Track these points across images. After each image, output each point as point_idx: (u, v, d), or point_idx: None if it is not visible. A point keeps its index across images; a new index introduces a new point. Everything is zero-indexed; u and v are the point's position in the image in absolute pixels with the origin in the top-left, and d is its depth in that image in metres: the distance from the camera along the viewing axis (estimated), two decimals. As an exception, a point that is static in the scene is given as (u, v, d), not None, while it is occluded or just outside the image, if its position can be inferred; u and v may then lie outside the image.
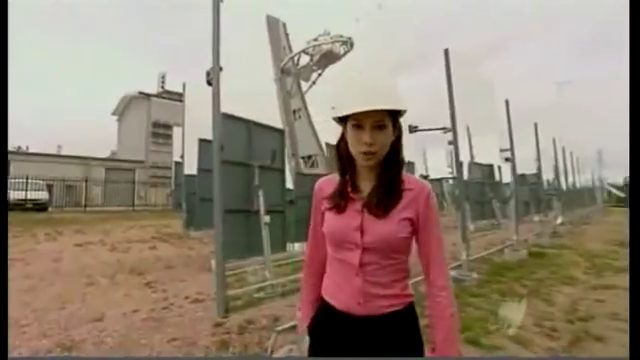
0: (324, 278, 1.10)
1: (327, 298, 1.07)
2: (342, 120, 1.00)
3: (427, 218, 1.00)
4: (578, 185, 19.66)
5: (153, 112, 27.46)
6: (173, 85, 29.14)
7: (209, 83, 2.57)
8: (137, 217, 15.87)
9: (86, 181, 22.03)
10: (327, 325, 1.05)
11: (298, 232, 4.81)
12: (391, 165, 1.00)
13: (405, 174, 1.03)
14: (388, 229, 0.97)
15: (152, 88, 30.35)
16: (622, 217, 20.75)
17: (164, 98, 28.65)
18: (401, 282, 1.02)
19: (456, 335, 1.02)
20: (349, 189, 1.02)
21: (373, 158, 0.96)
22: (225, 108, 3.30)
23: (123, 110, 30.60)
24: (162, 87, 31.41)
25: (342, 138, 1.02)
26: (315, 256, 1.16)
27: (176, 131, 10.80)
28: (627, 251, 7.85)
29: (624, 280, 5.14)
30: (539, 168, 10.98)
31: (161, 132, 26.66)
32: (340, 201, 1.01)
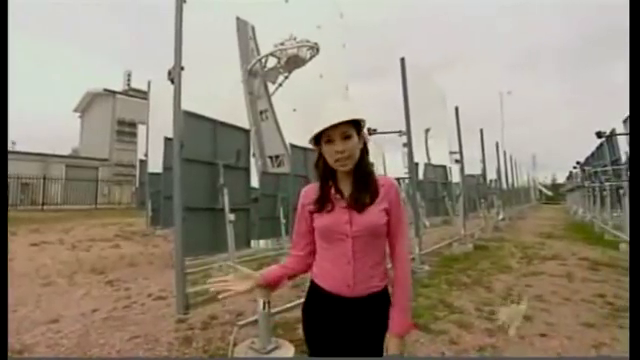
0: (314, 266, 1.22)
1: (317, 282, 1.20)
2: (317, 144, 1.16)
3: (397, 206, 1.19)
4: (516, 185, 21.15)
5: (118, 109, 25.80)
6: (139, 83, 27.54)
7: (172, 81, 2.47)
8: (100, 215, 14.86)
9: (44, 179, 20.24)
10: (318, 305, 1.20)
11: (262, 229, 4.76)
12: (362, 169, 1.16)
13: (376, 174, 1.20)
14: (371, 219, 1.13)
15: (118, 86, 28.54)
16: (550, 212, 22.72)
17: (130, 96, 27.03)
18: (381, 266, 1.18)
19: (410, 304, 1.20)
20: (332, 193, 1.17)
21: (347, 163, 1.12)
22: (196, 108, 3.19)
23: (86, 107, 28.45)
24: (128, 85, 29.61)
25: (320, 157, 1.18)
26: (294, 252, 1.27)
27: (141, 129, 10.23)
28: (552, 242, 8.61)
29: (548, 267, 5.68)
30: (484, 169, 11.68)
31: (126, 130, 25.11)
32: (327, 204, 1.16)
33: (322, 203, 1.17)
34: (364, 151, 1.17)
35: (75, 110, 29.33)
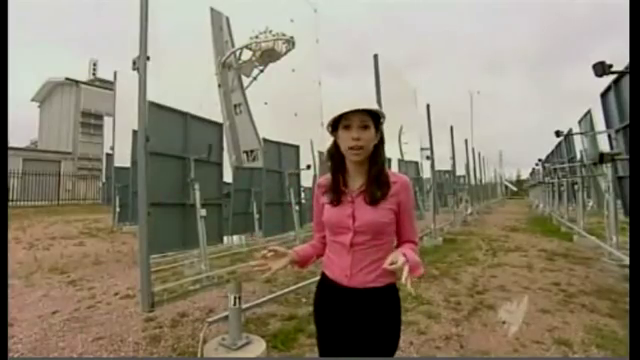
0: (324, 255, 1.28)
1: (325, 270, 1.26)
2: (334, 130, 1.17)
3: (406, 205, 1.19)
4: (483, 180, 22.11)
5: (83, 100, 24.29)
6: (107, 73, 25.98)
7: (138, 70, 2.34)
8: (63, 212, 14.02)
9: (-1, 173, 18.75)
10: (323, 292, 1.25)
11: (235, 225, 4.68)
12: (375, 164, 1.17)
13: (387, 170, 1.21)
14: (375, 216, 1.13)
15: (83, 75, 26.79)
16: (514, 207, 23.97)
17: (96, 86, 25.51)
18: (383, 264, 1.11)
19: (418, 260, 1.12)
20: (341, 186, 1.19)
21: (361, 153, 1.12)
22: (171, 102, 3.06)
23: (46, 96, 26.55)
24: (94, 74, 27.91)
25: (334, 144, 1.20)
26: (317, 236, 1.34)
27: (108, 121, 9.71)
28: (515, 235, 9.10)
29: (510, 258, 5.99)
30: (453, 165, 12.09)
31: (92, 122, 23.73)
32: (334, 196, 1.19)
33: (331, 195, 1.20)
34: (380, 147, 1.19)
35: (33, 100, 27.35)
